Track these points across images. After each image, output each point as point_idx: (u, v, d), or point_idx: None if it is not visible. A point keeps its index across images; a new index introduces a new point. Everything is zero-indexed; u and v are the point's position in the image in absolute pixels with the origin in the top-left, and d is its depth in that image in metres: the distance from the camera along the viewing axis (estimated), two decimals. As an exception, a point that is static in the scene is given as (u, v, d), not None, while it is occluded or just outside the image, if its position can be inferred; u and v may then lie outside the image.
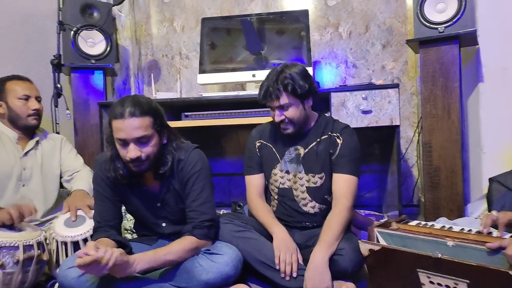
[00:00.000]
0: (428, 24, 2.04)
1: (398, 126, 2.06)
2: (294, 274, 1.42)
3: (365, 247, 1.34)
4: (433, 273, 1.19)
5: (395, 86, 2.07)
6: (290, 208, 1.67)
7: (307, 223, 1.66)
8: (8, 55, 2.35)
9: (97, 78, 2.50)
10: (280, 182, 1.68)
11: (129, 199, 1.53)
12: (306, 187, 1.64)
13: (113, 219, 1.50)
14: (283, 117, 1.58)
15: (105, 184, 1.48)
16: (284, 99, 1.55)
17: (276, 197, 1.71)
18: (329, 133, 1.64)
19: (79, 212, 1.63)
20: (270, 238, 1.57)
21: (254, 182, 1.74)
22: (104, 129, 2.37)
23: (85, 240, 1.54)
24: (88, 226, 1.57)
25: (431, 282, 1.20)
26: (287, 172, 1.67)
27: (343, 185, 1.57)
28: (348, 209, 1.53)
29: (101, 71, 2.50)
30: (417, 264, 1.22)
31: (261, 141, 1.75)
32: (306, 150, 1.65)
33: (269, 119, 1.88)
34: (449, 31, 1.99)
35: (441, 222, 1.53)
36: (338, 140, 1.61)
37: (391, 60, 2.67)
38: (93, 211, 1.63)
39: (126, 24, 2.97)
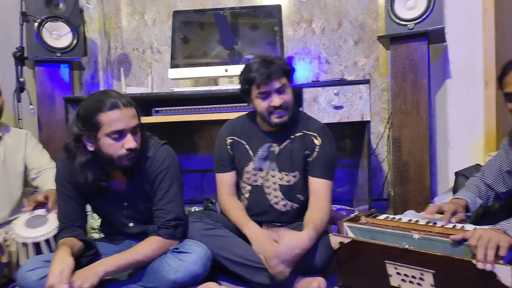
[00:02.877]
0: (398, 21, 2.07)
1: (368, 122, 2.09)
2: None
3: (335, 240, 1.35)
4: (400, 264, 1.21)
5: (366, 82, 2.09)
6: (261, 205, 1.64)
7: (277, 224, 1.64)
8: (-34, 47, 2.24)
9: (63, 72, 2.41)
10: (253, 180, 1.64)
11: (94, 199, 1.47)
12: (279, 185, 1.61)
13: (78, 219, 1.44)
14: (283, 101, 1.51)
15: (68, 183, 1.42)
16: (284, 80, 1.53)
17: (247, 195, 1.67)
18: (304, 131, 1.60)
19: (41, 212, 1.57)
20: (240, 234, 1.55)
21: (225, 180, 1.68)
22: (72, 132, 2.26)
23: (47, 241, 1.47)
24: (50, 226, 1.50)
25: (398, 273, 1.22)
26: (260, 169, 1.62)
27: (323, 188, 1.55)
28: (330, 211, 1.53)
29: (67, 64, 2.41)
30: (384, 256, 1.23)
31: (233, 137, 1.68)
32: (281, 147, 1.61)
33: (239, 115, 1.82)
34: (418, 28, 2.03)
35: (408, 215, 1.55)
36: (316, 142, 1.58)
37: (363, 56, 2.70)
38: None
39: (95, 16, 2.86)
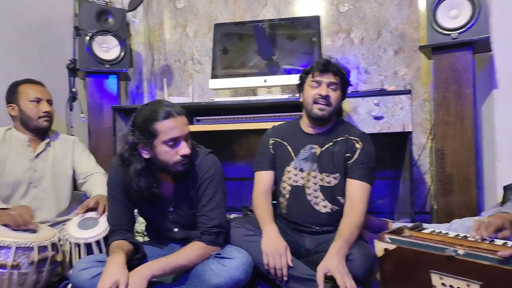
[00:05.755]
0: (441, 31, 2.03)
1: (410, 133, 2.05)
2: (285, 278, 1.42)
3: (380, 247, 1.33)
4: (446, 274, 1.18)
5: (407, 92, 2.06)
6: (301, 206, 1.66)
7: (317, 227, 1.65)
8: (26, 60, 2.42)
9: (111, 83, 2.54)
10: (294, 180, 1.67)
11: (142, 203, 1.53)
12: (320, 185, 1.64)
13: (127, 223, 1.51)
14: (329, 93, 1.63)
15: (119, 188, 1.49)
16: (337, 80, 1.65)
17: (287, 195, 1.69)
18: (346, 135, 1.66)
19: (92, 215, 1.66)
20: None
21: (262, 179, 1.73)
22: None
23: (97, 242, 1.56)
24: (100, 228, 1.59)
25: (443, 284, 1.19)
26: (301, 170, 1.67)
27: (360, 191, 1.58)
28: (364, 214, 1.54)
29: (115, 75, 2.55)
30: (430, 265, 1.21)
31: (276, 139, 1.75)
32: (323, 149, 1.67)
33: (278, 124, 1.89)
34: (463, 38, 1.98)
35: (455, 224, 1.51)
36: (357, 145, 1.64)
37: (403, 66, 2.66)
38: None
39: (140, 29, 3.01)
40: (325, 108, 1.63)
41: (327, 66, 1.63)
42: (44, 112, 1.83)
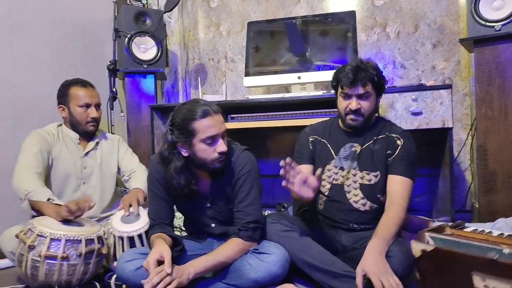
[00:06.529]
0: (484, 22, 1.96)
1: (450, 129, 1.99)
2: None
3: (417, 248, 1.30)
4: (489, 276, 1.14)
5: (447, 86, 2.00)
6: (340, 204, 1.65)
7: (355, 225, 1.64)
8: (69, 61, 2.54)
9: (149, 82, 2.62)
10: (334, 178, 1.67)
11: (181, 199, 1.58)
12: (359, 183, 1.63)
13: (167, 217, 1.56)
14: (359, 106, 1.59)
15: (160, 185, 1.54)
16: (368, 88, 1.58)
17: (326, 193, 1.69)
18: (387, 133, 1.65)
19: (133, 209, 1.72)
20: (315, 238, 1.56)
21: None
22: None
23: (139, 236, 1.62)
24: (142, 222, 1.65)
25: (486, 287, 1.15)
26: (341, 168, 1.67)
27: (401, 186, 1.56)
28: (404, 210, 1.52)
29: (152, 75, 2.62)
30: (471, 267, 1.17)
31: (315, 136, 1.76)
32: (363, 147, 1.66)
33: (312, 121, 1.89)
34: (507, 29, 1.91)
35: (499, 223, 1.46)
36: (398, 142, 1.62)
37: (442, 60, 2.58)
38: (141, 207, 1.73)
39: (175, 29, 3.08)
40: (358, 118, 1.62)
41: (355, 79, 1.56)
42: (91, 118, 1.90)
